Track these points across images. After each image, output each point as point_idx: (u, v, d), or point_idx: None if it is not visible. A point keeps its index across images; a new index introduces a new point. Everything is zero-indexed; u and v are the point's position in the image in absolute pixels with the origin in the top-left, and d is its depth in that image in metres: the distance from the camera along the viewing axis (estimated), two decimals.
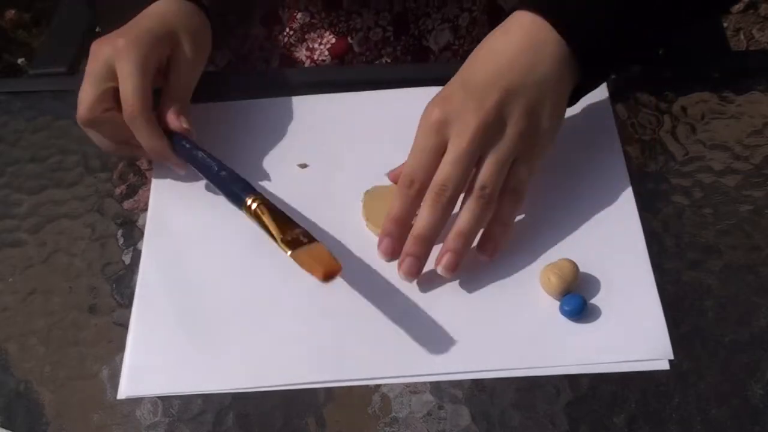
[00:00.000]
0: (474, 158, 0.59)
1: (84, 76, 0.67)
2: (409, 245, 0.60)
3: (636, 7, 0.63)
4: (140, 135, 0.66)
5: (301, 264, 0.57)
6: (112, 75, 0.65)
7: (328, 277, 0.56)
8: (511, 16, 0.63)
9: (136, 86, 0.65)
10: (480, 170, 0.60)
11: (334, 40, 0.83)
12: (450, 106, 0.60)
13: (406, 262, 0.60)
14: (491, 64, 0.61)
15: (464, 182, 0.60)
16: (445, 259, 0.60)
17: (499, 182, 0.60)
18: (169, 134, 0.67)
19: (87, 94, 0.66)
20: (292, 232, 0.59)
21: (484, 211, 0.60)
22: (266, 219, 0.60)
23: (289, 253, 0.57)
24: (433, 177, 0.60)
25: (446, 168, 0.59)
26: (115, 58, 0.65)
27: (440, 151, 0.60)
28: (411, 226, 0.61)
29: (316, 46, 0.84)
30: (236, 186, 0.64)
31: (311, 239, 0.59)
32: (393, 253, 0.61)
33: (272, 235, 0.59)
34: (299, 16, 0.83)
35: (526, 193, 0.62)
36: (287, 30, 0.85)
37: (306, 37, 0.84)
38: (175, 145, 0.67)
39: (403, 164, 0.62)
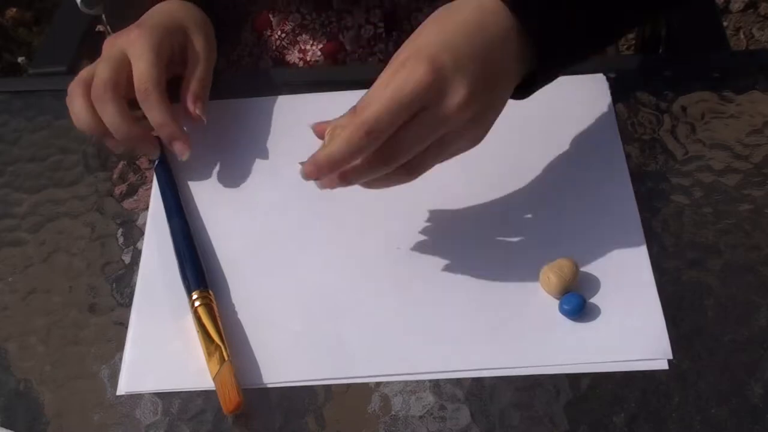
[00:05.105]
0: (437, 138, 0.56)
1: (97, 63, 0.68)
2: (340, 178, 0.57)
3: None
4: (152, 111, 0.66)
5: (218, 392, 0.56)
6: (126, 61, 0.67)
7: (232, 413, 0.56)
8: None
9: (150, 64, 0.66)
10: (429, 150, 0.57)
11: (325, 41, 0.83)
12: (440, 76, 0.55)
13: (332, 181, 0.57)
14: (476, 44, 0.57)
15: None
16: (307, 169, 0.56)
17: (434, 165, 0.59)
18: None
19: (102, 71, 0.66)
20: (213, 348, 0.58)
21: (395, 183, 0.58)
22: (202, 322, 0.59)
23: (213, 377, 0.57)
24: (392, 132, 0.55)
25: (409, 145, 0.55)
26: (128, 45, 0.67)
27: (415, 112, 0.55)
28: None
29: (308, 47, 0.84)
30: (191, 273, 0.62)
31: (223, 359, 0.57)
32: (315, 177, 0.57)
33: (203, 340, 0.59)
34: (290, 18, 0.83)
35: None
36: (279, 33, 0.85)
37: (298, 39, 0.84)
38: (163, 200, 0.68)
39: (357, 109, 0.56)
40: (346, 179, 0.57)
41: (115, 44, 0.68)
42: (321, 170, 0.56)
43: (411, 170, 0.58)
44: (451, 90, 0.55)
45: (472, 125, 0.58)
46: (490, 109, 0.58)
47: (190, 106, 0.69)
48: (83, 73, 0.69)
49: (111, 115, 0.66)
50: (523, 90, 0.62)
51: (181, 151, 0.68)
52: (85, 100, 0.67)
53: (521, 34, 0.58)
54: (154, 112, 0.66)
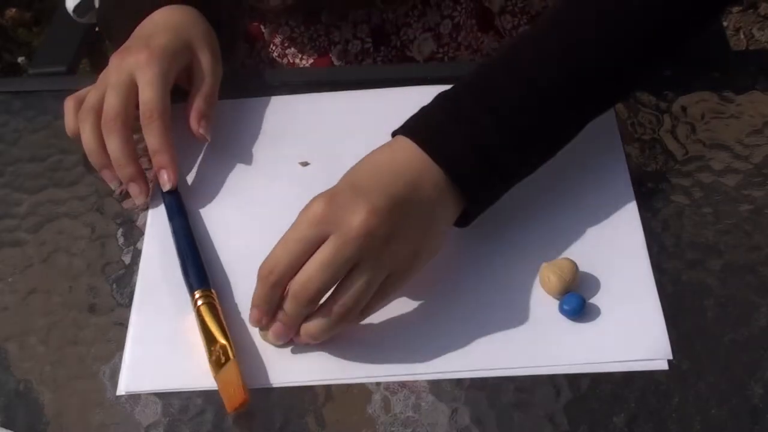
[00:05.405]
0: (348, 266, 0.55)
1: (100, 85, 0.68)
2: (276, 328, 0.58)
3: (515, 136, 0.60)
4: (151, 137, 0.66)
5: (220, 390, 0.56)
6: (135, 86, 0.67)
7: (235, 411, 0.56)
8: (394, 139, 0.61)
9: (158, 92, 0.66)
10: (347, 282, 0.55)
11: (316, 56, 0.84)
12: (336, 202, 0.55)
13: (274, 331, 0.58)
14: (380, 174, 0.58)
15: (330, 287, 0.55)
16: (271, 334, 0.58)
17: (361, 303, 0.56)
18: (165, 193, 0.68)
19: (113, 100, 0.66)
20: (216, 347, 0.58)
21: (331, 326, 0.56)
22: (205, 321, 0.59)
23: (215, 376, 0.57)
24: (296, 269, 0.56)
25: (314, 270, 0.55)
26: (136, 69, 0.67)
27: (314, 245, 0.55)
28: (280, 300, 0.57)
29: (297, 61, 0.85)
30: (193, 273, 0.62)
31: (227, 357, 0.57)
32: (261, 323, 0.59)
33: (206, 339, 0.59)
34: (280, 30, 0.84)
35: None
36: (270, 46, 0.85)
37: (286, 52, 0.85)
38: (164, 200, 0.68)
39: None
40: (283, 331, 0.58)
41: (123, 67, 0.67)
42: (253, 315, 0.58)
43: (352, 312, 0.56)
44: (350, 213, 0.55)
45: (389, 250, 0.56)
46: (404, 232, 0.56)
47: (194, 124, 0.69)
48: (91, 98, 0.68)
49: (115, 148, 0.66)
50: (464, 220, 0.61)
51: (165, 181, 0.67)
52: (97, 130, 0.67)
53: (433, 167, 0.58)
54: (153, 138, 0.66)
